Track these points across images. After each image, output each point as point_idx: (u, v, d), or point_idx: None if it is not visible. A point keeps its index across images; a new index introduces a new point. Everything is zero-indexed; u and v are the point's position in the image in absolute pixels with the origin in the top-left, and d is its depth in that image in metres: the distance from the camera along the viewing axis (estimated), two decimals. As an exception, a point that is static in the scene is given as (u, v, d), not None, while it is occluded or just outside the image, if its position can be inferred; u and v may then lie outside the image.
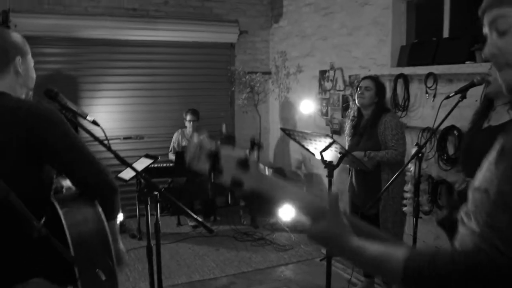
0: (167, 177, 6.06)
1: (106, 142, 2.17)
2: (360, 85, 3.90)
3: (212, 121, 6.80)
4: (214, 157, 1.04)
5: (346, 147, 3.99)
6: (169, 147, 6.32)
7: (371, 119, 3.82)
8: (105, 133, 2.26)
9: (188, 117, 6.14)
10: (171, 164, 5.94)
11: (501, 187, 0.92)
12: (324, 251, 4.88)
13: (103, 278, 1.64)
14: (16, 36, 1.92)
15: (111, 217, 1.90)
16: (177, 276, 4.59)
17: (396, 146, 3.69)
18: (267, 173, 1.10)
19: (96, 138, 2.15)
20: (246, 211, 6.24)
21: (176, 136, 6.25)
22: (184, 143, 6.15)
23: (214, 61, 6.99)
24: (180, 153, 5.77)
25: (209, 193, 5.89)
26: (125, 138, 6.46)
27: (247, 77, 6.87)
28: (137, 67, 6.52)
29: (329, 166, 3.22)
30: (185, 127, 6.24)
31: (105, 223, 1.75)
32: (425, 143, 3.36)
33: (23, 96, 1.94)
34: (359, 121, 3.95)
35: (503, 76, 1.05)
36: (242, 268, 4.79)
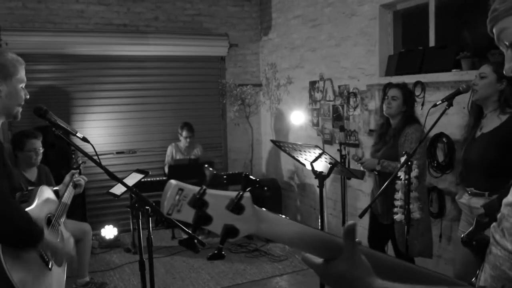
0: (161, 190, 6.02)
1: (96, 158, 2.20)
2: (387, 94, 3.79)
3: (203, 133, 6.82)
4: (200, 203, 0.84)
5: (369, 154, 3.97)
6: (161, 160, 6.34)
7: (397, 129, 3.73)
8: (95, 149, 2.29)
9: (184, 134, 6.11)
10: (164, 178, 5.95)
11: None
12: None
13: None
14: (4, 57, 1.91)
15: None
16: (172, 290, 4.59)
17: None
18: (264, 211, 0.90)
19: (86, 154, 2.18)
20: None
21: (170, 150, 6.25)
22: (178, 157, 6.16)
23: (205, 74, 7.03)
24: (172, 166, 5.78)
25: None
26: (118, 153, 6.47)
27: (238, 89, 6.92)
28: (128, 82, 6.56)
29: (320, 176, 3.25)
30: (179, 140, 6.24)
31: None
32: (414, 150, 3.39)
33: (1, 119, 1.93)
34: (387, 130, 3.85)
35: None
36: (237, 280, 4.79)
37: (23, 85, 1.99)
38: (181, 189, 0.84)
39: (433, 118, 3.22)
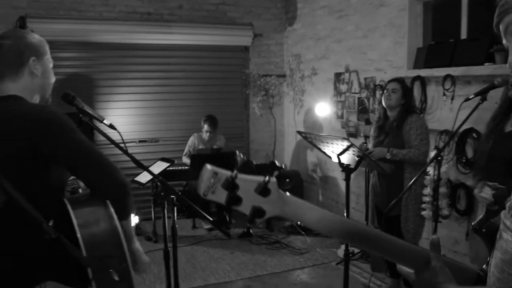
0: (182, 180, 6.06)
1: (123, 145, 2.17)
2: (387, 87, 3.92)
3: (226, 123, 6.77)
4: (232, 186, 0.93)
5: (371, 148, 4.00)
6: (183, 150, 6.32)
7: (397, 120, 3.85)
8: (122, 137, 2.26)
9: (205, 128, 6.07)
10: (186, 167, 5.94)
11: None
12: (341, 254, 4.82)
13: (116, 278, 1.61)
14: (33, 37, 1.90)
15: (123, 217, 1.86)
16: (193, 279, 4.59)
17: (419, 146, 3.72)
18: (288, 195, 1.03)
19: (113, 142, 2.15)
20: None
21: (192, 140, 6.22)
22: (200, 147, 6.13)
23: (228, 64, 7.00)
24: (194, 156, 5.75)
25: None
26: (140, 141, 6.49)
27: (261, 80, 6.86)
28: (152, 70, 6.55)
29: (347, 169, 3.19)
30: (201, 131, 6.21)
31: (118, 223, 1.71)
32: (444, 146, 3.30)
33: (37, 99, 1.93)
34: (385, 122, 3.97)
35: None
36: (258, 271, 4.76)
37: (51, 65, 1.98)
38: (215, 173, 0.94)
39: (463, 113, 3.13)
